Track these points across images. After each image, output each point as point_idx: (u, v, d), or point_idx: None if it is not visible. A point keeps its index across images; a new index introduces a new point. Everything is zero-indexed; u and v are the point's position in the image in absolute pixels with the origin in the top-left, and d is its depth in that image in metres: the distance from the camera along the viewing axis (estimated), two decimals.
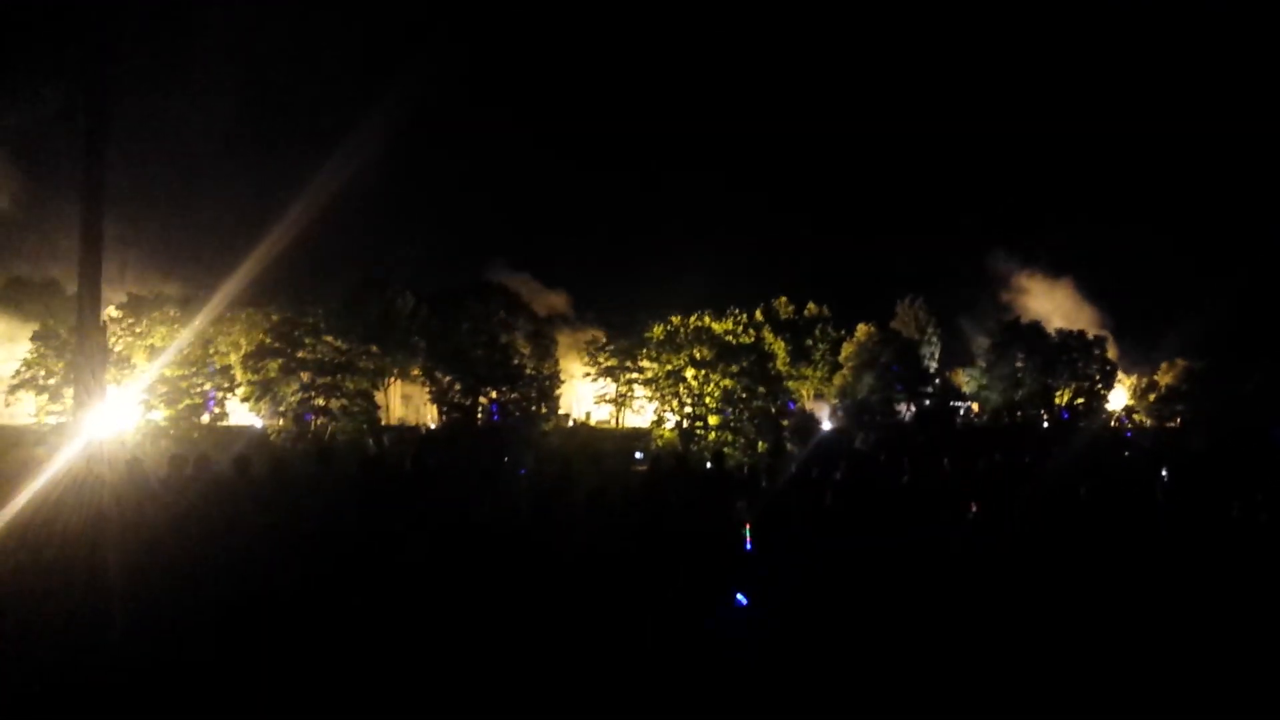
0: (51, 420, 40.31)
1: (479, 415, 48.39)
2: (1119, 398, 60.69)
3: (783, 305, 62.24)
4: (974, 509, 11.13)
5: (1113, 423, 56.93)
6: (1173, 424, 56.60)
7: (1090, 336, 58.94)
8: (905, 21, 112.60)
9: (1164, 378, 59.77)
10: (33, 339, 42.14)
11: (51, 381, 41.09)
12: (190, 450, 26.97)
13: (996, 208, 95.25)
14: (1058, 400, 56.72)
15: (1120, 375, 60.05)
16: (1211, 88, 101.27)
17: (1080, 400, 56.94)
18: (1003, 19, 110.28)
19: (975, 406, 56.56)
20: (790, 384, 56.83)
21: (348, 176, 50.02)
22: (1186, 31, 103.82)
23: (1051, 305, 65.77)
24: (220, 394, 44.93)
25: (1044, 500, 10.89)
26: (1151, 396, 59.99)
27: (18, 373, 41.80)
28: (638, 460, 44.12)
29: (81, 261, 10.98)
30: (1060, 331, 58.79)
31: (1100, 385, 57.86)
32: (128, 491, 10.60)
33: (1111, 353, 59.01)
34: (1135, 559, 9.06)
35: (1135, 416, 59.06)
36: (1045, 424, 55.09)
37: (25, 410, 42.67)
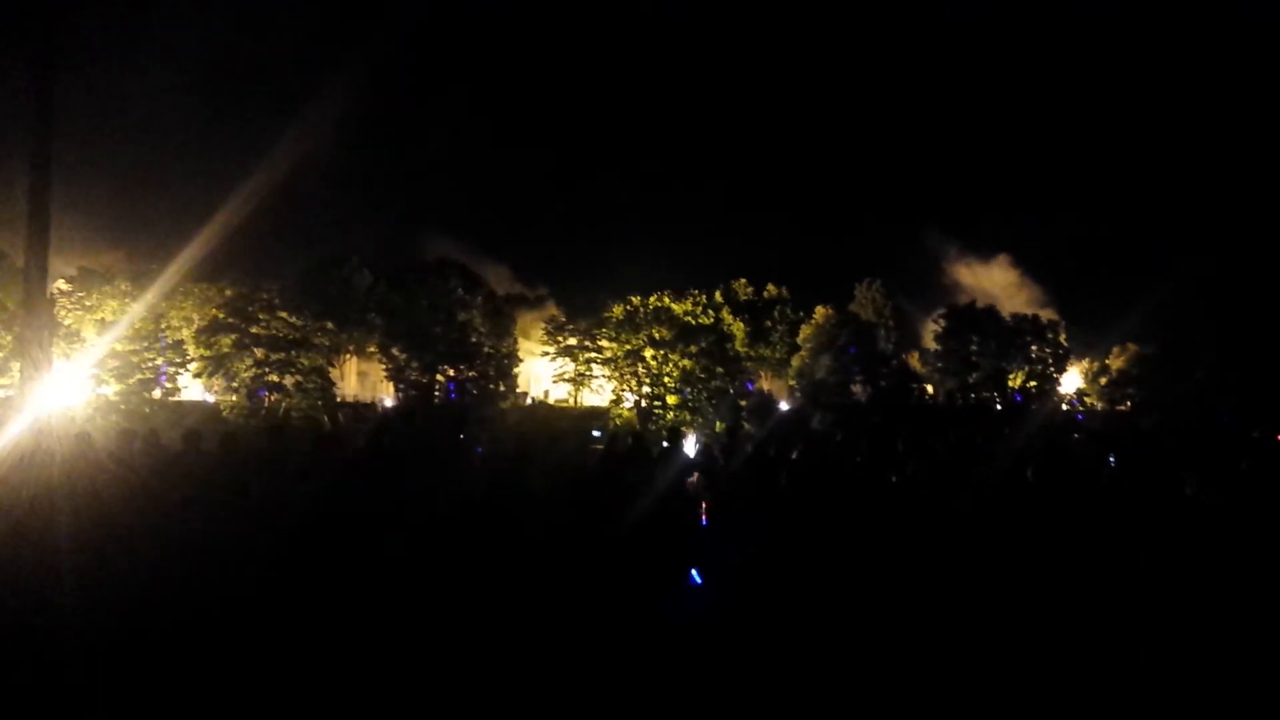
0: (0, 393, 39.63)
1: (436, 393, 48.17)
2: (1072, 381, 61.48)
3: (742, 287, 62.41)
4: (925, 490, 11.26)
5: (1064, 406, 57.66)
6: (1123, 407, 57.44)
7: (1044, 321, 59.65)
8: (858, 10, 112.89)
9: (1115, 362, 60.62)
10: None
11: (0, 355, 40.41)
12: (141, 425, 26.64)
13: (947, 191, 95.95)
14: (1011, 383, 57.37)
15: (1072, 359, 60.81)
16: (1159, 69, 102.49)
17: (1033, 383, 57.63)
18: (949, 7, 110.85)
19: (930, 388, 57.05)
20: (749, 365, 57.07)
21: (304, 151, 49.41)
22: (1128, 12, 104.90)
23: (999, 288, 66.40)
24: (172, 369, 44.36)
25: (993, 481, 11.03)
26: (1103, 380, 60.83)
27: None
28: (595, 439, 44.16)
29: (29, 233, 10.78)
30: (1014, 315, 59.43)
31: (1053, 369, 58.58)
32: (77, 466, 10.45)
33: (1063, 337, 59.73)
34: (1080, 538, 9.21)
35: (1087, 400, 59.85)
36: (998, 406, 55.71)
37: None
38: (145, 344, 43.20)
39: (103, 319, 44.52)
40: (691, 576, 11.12)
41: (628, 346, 53.55)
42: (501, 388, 49.92)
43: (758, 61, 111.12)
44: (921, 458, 12.81)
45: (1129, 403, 57.28)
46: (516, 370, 51.81)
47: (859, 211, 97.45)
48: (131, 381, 42.42)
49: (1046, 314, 61.27)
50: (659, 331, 53.14)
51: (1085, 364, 62.40)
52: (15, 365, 37.21)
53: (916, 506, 10.67)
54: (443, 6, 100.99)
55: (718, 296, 60.17)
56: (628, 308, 55.47)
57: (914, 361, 59.70)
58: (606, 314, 55.73)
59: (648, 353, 52.80)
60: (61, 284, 44.73)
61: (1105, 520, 9.49)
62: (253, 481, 10.98)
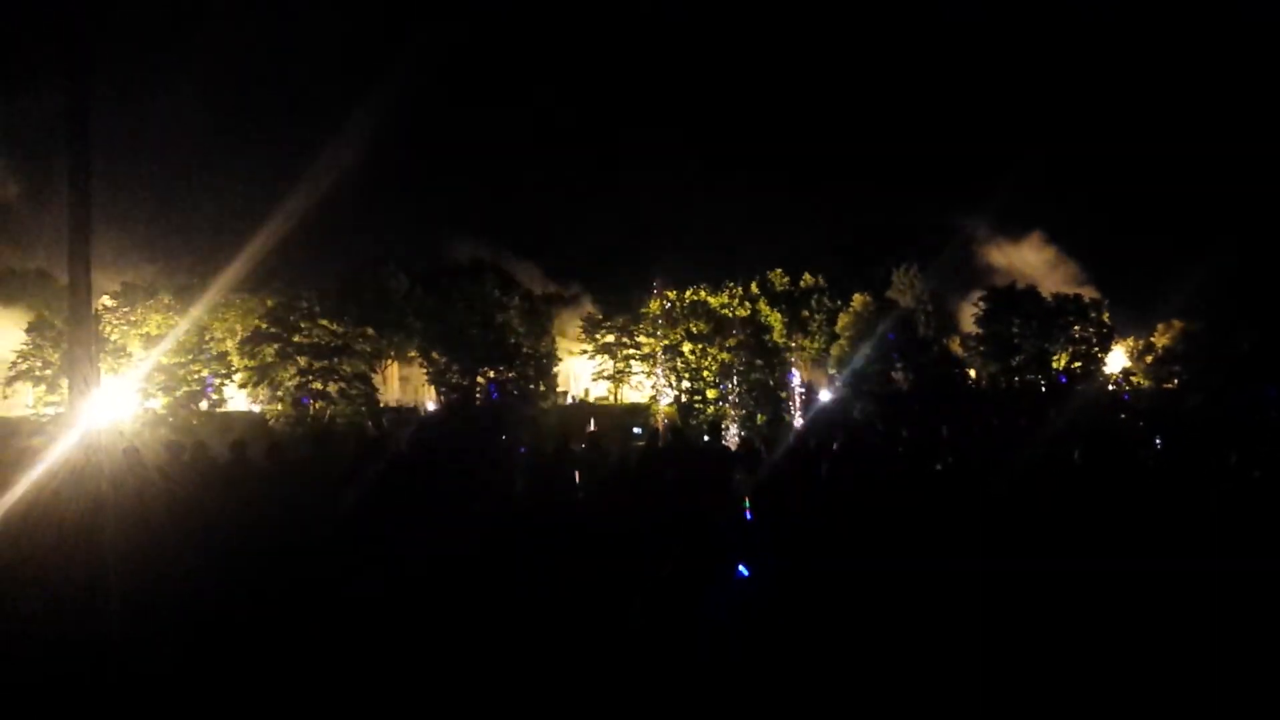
0: (49, 411, 40.27)
1: (477, 395, 48.41)
2: (1117, 360, 60.66)
3: (778, 277, 62.09)
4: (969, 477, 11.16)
5: (1110, 386, 56.88)
6: (1170, 385, 56.60)
7: (1087, 300, 58.84)
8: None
9: (1160, 339, 59.73)
10: (27, 330, 42.07)
11: (48, 372, 41.03)
12: (188, 437, 27.00)
13: (975, 170, 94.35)
14: (1055, 365, 56.70)
15: (1117, 338, 59.96)
16: (1198, 35, 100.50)
17: (1077, 364, 56.92)
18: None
19: (972, 373, 56.51)
20: (788, 355, 56.83)
21: (338, 157, 49.93)
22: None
23: (1034, 267, 65.32)
24: (217, 380, 44.88)
25: (1039, 464, 10.90)
26: (1149, 358, 59.95)
27: (14, 364, 41.75)
28: (636, 436, 44.18)
29: (71, 250, 10.92)
30: (1056, 295, 58.68)
31: (1097, 349, 57.82)
32: (126, 480, 10.60)
33: (1106, 316, 58.87)
34: (1129, 520, 9.08)
35: (1133, 379, 59.03)
36: (1043, 388, 55.07)
37: (23, 401, 42.66)
38: (190, 356, 43.76)
39: (147, 333, 45.16)
40: (739, 570, 11.10)
41: (665, 341, 53.55)
42: (541, 387, 50.06)
43: (784, 51, 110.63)
44: (965, 444, 12.73)
45: (1175, 381, 56.42)
46: (556, 369, 51.94)
47: (890, 195, 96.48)
48: (178, 394, 43.00)
49: (1088, 292, 60.47)
50: (696, 325, 53.07)
51: (1130, 342, 61.53)
52: (64, 382, 37.84)
53: (961, 494, 10.59)
54: (470, 9, 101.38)
55: (754, 288, 59.98)
56: (664, 302, 55.46)
57: (955, 346, 59.17)
58: (643, 309, 55.73)
59: (686, 347, 52.74)
60: (106, 300, 45.43)
61: (1154, 502, 9.37)
62: (300, 490, 11.09)
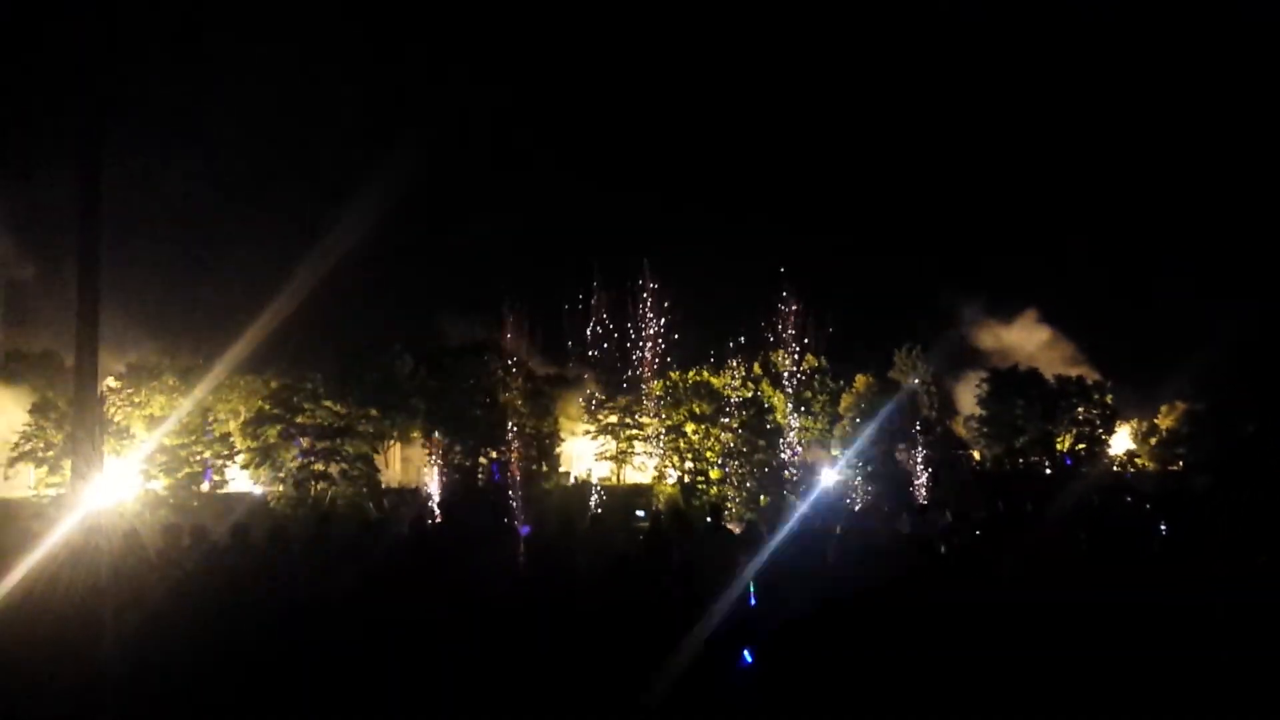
0: (50, 492, 40.11)
1: (479, 475, 48.21)
2: (1121, 442, 60.52)
3: (779, 358, 62.25)
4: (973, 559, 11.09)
5: (1115, 468, 56.67)
6: (1175, 467, 56.37)
7: (1090, 381, 58.92)
8: (864, 60, 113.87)
9: (1164, 420, 59.67)
10: (30, 411, 42.08)
11: (50, 454, 40.95)
12: (188, 519, 26.85)
13: (967, 249, 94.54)
14: (1059, 447, 56.57)
15: (1120, 419, 59.87)
16: (1194, 121, 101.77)
17: (1081, 446, 56.78)
18: (963, 50, 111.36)
19: (976, 455, 56.37)
20: (791, 436, 56.70)
21: (343, 241, 50.45)
22: (1165, 56, 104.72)
23: (1029, 347, 65.12)
24: (219, 461, 44.75)
25: (1044, 546, 10.84)
26: (1153, 440, 59.84)
27: (16, 445, 41.68)
28: (639, 518, 43.89)
29: (79, 333, 11.01)
30: (1058, 377, 58.79)
31: (1101, 430, 57.74)
32: (126, 564, 10.54)
33: (1109, 397, 58.87)
34: (1134, 603, 9.01)
35: (1138, 460, 58.83)
36: (1047, 470, 54.85)
37: (24, 483, 42.50)
38: (193, 438, 43.71)
39: (151, 414, 45.16)
40: (743, 656, 10.97)
41: (668, 422, 53.50)
42: (544, 468, 49.90)
43: (778, 134, 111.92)
44: (969, 527, 12.65)
45: (1180, 462, 56.21)
46: (558, 450, 51.82)
47: (886, 276, 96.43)
48: (180, 475, 42.84)
49: (1087, 372, 60.53)
50: (699, 406, 53.07)
51: (1134, 424, 61.44)
52: (66, 464, 37.74)
53: (965, 576, 10.51)
54: (471, 100, 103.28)
55: (756, 369, 60.06)
56: (666, 383, 55.52)
57: (958, 427, 59.09)
58: (645, 390, 55.78)
59: (689, 427, 52.69)
60: (110, 381, 45.53)
61: (1157, 584, 9.29)
62: (300, 573, 11.02)
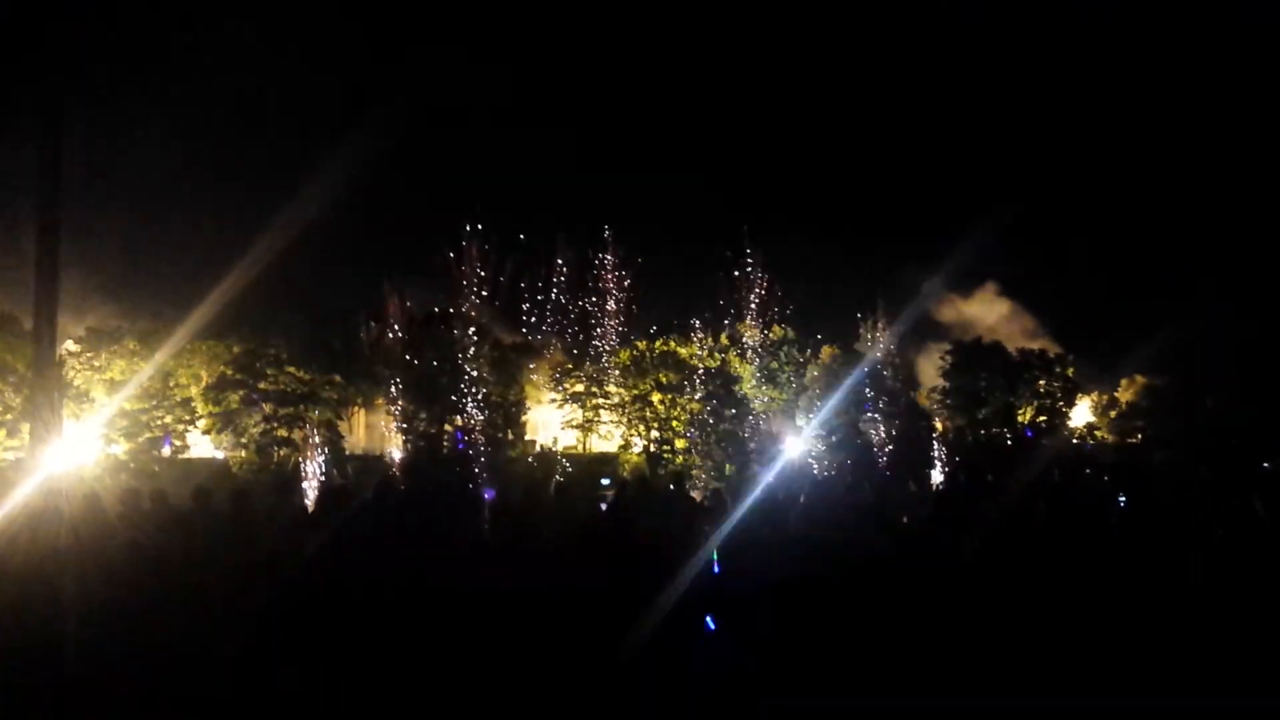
0: (9, 456, 39.67)
1: (445, 443, 48.15)
2: (1082, 415, 61.29)
3: (747, 328, 62.50)
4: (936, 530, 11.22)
5: (1074, 440, 57.43)
6: (1134, 440, 57.22)
7: (1052, 355, 59.57)
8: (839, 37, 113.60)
9: (1124, 394, 60.48)
10: None
11: (8, 417, 40.48)
12: (148, 484, 26.66)
13: (935, 223, 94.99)
14: (1020, 418, 57.22)
15: (1080, 393, 60.61)
16: (1166, 75, 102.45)
17: (1043, 419, 57.47)
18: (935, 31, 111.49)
19: (939, 425, 56.90)
20: (757, 406, 57.00)
21: (308, 205, 49.98)
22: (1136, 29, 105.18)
23: (993, 319, 65.41)
24: (180, 426, 44.43)
25: (1004, 518, 10.96)
26: (1113, 413, 60.67)
27: None
28: (604, 486, 44.05)
29: (37, 296, 10.88)
30: (1021, 350, 59.38)
31: (1062, 403, 58.44)
32: (86, 527, 10.45)
33: (1071, 370, 59.55)
34: (1094, 575, 9.14)
35: (1098, 434, 59.64)
36: (1009, 441, 55.52)
37: None
38: (154, 402, 43.33)
39: (111, 379, 44.70)
40: (706, 623, 11.05)
41: (635, 391, 53.62)
42: (510, 436, 49.90)
43: (750, 107, 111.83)
44: (931, 497, 12.79)
45: (1139, 435, 57.06)
46: (524, 418, 51.82)
47: (847, 251, 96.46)
48: (140, 440, 42.50)
49: (1047, 345, 61.16)
50: (665, 376, 53.22)
51: (1095, 397, 62.21)
52: (25, 427, 37.32)
53: (927, 547, 10.63)
54: (436, 66, 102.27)
55: (723, 339, 60.27)
56: (634, 352, 55.60)
57: (922, 399, 59.60)
58: (611, 360, 55.89)
59: (655, 397, 52.86)
60: (70, 345, 44.98)
61: (1118, 557, 9.44)
62: (262, 538, 10.96)
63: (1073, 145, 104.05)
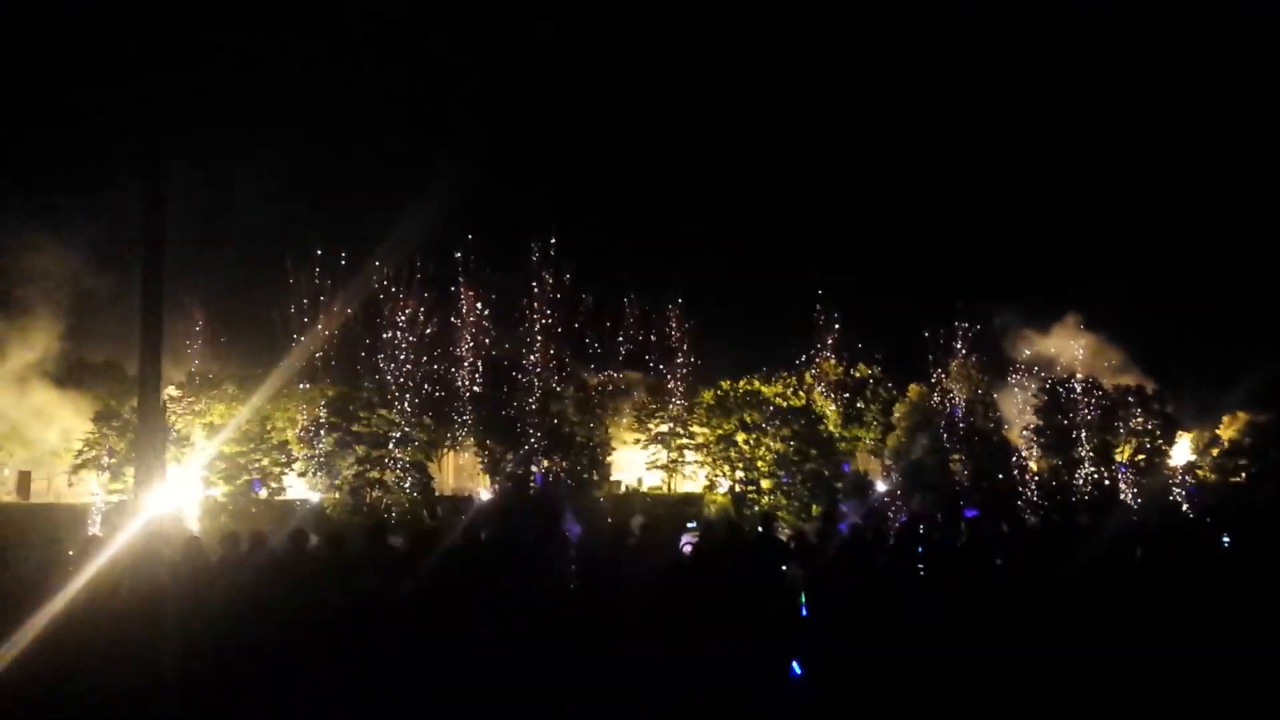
0: (113, 499, 40.96)
1: (531, 484, 48.47)
2: (1182, 453, 59.36)
3: (832, 367, 61.95)
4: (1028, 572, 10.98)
5: (1174, 480, 55.63)
6: (1237, 479, 55.24)
7: (1149, 390, 57.91)
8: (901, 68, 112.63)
9: (1226, 431, 58.47)
10: (94, 419, 43.01)
11: (113, 461, 41.81)
12: (246, 525, 27.31)
13: (1008, 256, 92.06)
14: (1117, 457, 55.66)
15: (1181, 429, 58.73)
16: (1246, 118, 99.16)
17: (1140, 457, 55.83)
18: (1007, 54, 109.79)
19: (1034, 465, 55.57)
20: (842, 445, 56.31)
21: (398, 253, 51.25)
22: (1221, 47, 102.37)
23: (1077, 353, 62.80)
24: (277, 469, 45.41)
25: (1099, 562, 10.70)
26: (1214, 451, 58.66)
27: (80, 452, 42.63)
28: (690, 528, 43.87)
29: (142, 343, 11.30)
30: (1117, 386, 57.84)
31: (1161, 440, 56.72)
32: (186, 569, 10.77)
33: (1170, 406, 57.74)
34: (1193, 619, 8.88)
35: (1199, 472, 57.70)
36: (1105, 482, 54.00)
37: (88, 489, 43.46)
38: (251, 445, 44.39)
39: (211, 422, 45.94)
40: (792, 668, 10.95)
41: (719, 431, 53.42)
42: (595, 476, 50.05)
43: (816, 145, 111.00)
44: (1025, 539, 12.52)
45: (1243, 474, 55.07)
46: (609, 459, 51.92)
47: (932, 283, 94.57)
48: (239, 482, 43.51)
49: (1143, 381, 59.34)
50: (750, 415, 52.95)
51: (1194, 435, 60.23)
52: (128, 471, 38.54)
53: (1019, 590, 10.41)
54: (515, 107, 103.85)
55: (808, 378, 59.80)
56: (718, 392, 55.46)
57: (1013, 437, 58.31)
58: (697, 399, 55.78)
59: (739, 437, 52.57)
60: (172, 390, 46.40)
61: (1220, 601, 9.15)
62: (357, 579, 11.18)
63: (1160, 170, 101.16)
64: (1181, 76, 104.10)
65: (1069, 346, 61.58)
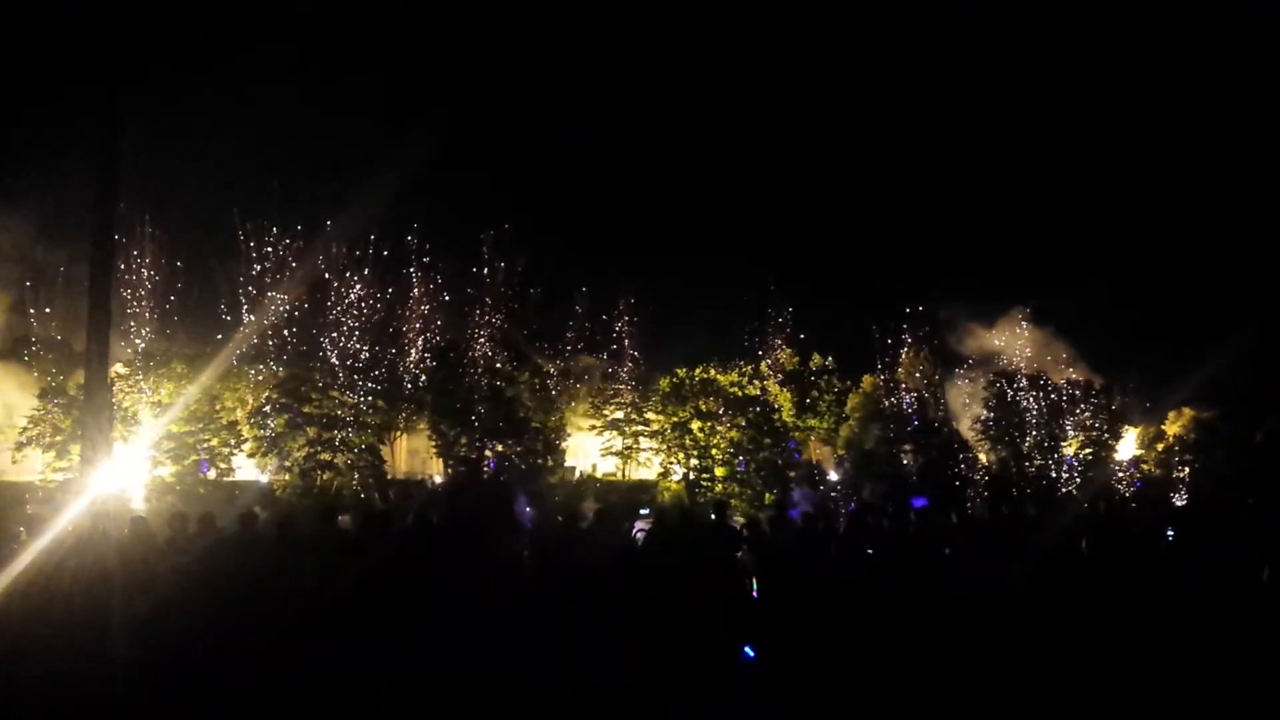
0: (58, 477, 40.27)
1: (484, 468, 48.30)
2: (1128, 448, 60.36)
3: (787, 357, 62.33)
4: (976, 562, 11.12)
5: (1120, 474, 56.60)
6: (1180, 473, 56.32)
7: (1097, 385, 58.81)
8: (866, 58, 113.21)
9: (1171, 427, 59.53)
10: (39, 395, 42.25)
11: (58, 438, 41.11)
12: (195, 506, 26.99)
13: (959, 251, 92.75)
14: (1065, 450, 56.50)
15: (1126, 424, 59.71)
16: (1199, 116, 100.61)
17: (1087, 451, 56.72)
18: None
19: (983, 457, 56.27)
20: (796, 435, 56.70)
21: (353, 229, 50.82)
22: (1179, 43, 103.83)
23: (1023, 346, 63.33)
24: (226, 449, 44.87)
25: (1047, 553, 10.86)
26: (1160, 446, 59.72)
27: (24, 429, 41.86)
28: (644, 515, 43.97)
29: (90, 320, 11.11)
30: (1067, 381, 58.70)
31: (1107, 435, 57.64)
32: (133, 549, 10.62)
33: (1117, 402, 58.67)
34: (1139, 612, 9.04)
35: (1144, 467, 58.74)
36: (1052, 474, 54.84)
37: (32, 467, 42.68)
38: (200, 425, 43.82)
39: (159, 401, 45.28)
40: (744, 652, 11.02)
41: (674, 419, 53.54)
42: (549, 462, 49.99)
43: (769, 133, 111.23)
44: (973, 530, 12.68)
45: (1187, 470, 56.15)
46: (564, 445, 51.87)
47: (873, 280, 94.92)
48: (187, 462, 42.97)
49: (1089, 375, 60.17)
50: (705, 404, 53.12)
51: (1140, 429, 61.25)
52: (74, 449, 37.92)
53: (967, 580, 10.55)
54: (486, 89, 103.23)
55: (763, 367, 60.13)
56: (673, 380, 55.58)
57: (964, 430, 58.99)
58: (652, 387, 55.89)
59: (694, 425, 52.73)
60: (119, 368, 45.65)
61: (1165, 592, 9.32)
62: (307, 561, 11.09)
63: (1109, 162, 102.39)
64: (1140, 66, 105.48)
65: (1014, 340, 62.31)
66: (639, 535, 13.54)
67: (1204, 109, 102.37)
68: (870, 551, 12.61)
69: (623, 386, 56.01)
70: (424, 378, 52.54)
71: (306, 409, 45.06)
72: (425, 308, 54.50)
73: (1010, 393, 56.46)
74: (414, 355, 53.98)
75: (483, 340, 53.91)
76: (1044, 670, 8.56)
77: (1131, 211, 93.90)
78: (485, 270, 54.39)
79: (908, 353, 61.39)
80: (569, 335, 59.35)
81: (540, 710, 8.62)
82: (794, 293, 61.43)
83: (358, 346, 51.07)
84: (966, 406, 59.19)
